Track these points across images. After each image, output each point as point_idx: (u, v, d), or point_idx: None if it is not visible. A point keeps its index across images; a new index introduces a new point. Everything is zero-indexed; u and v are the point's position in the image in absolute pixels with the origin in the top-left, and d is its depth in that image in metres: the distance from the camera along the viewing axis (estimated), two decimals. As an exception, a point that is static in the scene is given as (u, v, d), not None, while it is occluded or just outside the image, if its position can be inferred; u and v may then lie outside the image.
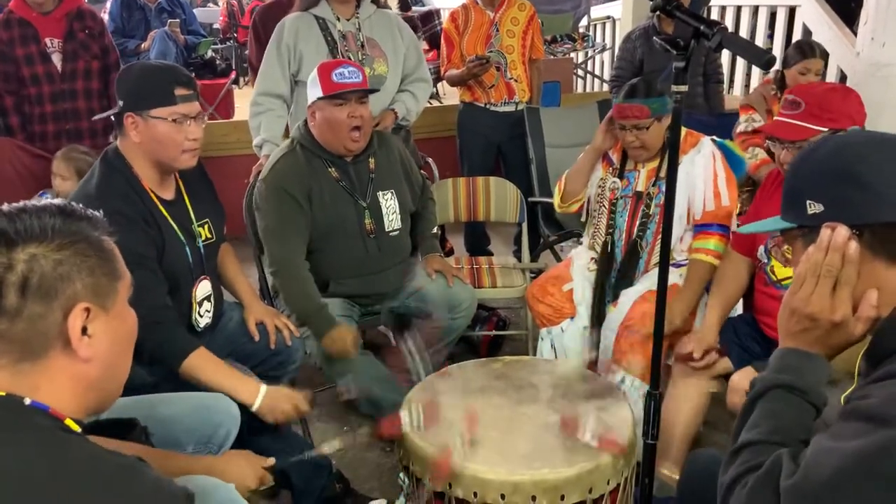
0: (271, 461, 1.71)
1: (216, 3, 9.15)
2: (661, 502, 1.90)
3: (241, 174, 3.03)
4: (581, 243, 2.79)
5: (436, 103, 5.90)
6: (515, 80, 3.80)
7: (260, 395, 1.93)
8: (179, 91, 1.93)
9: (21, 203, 1.00)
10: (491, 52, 3.73)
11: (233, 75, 5.93)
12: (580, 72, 7.02)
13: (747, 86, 5.64)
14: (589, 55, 7.10)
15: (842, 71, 4.38)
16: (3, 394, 0.94)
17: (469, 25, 3.78)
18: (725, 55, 5.11)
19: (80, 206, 1.05)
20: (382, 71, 2.98)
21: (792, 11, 5.14)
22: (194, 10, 6.29)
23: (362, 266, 2.57)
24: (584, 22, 7.05)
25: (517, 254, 3.78)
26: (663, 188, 2.32)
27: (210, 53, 6.13)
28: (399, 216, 2.62)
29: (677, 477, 1.83)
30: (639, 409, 1.93)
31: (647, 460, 1.78)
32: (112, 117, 2.02)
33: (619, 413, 1.85)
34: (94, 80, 3.55)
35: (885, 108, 3.26)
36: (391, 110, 3.03)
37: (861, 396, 0.99)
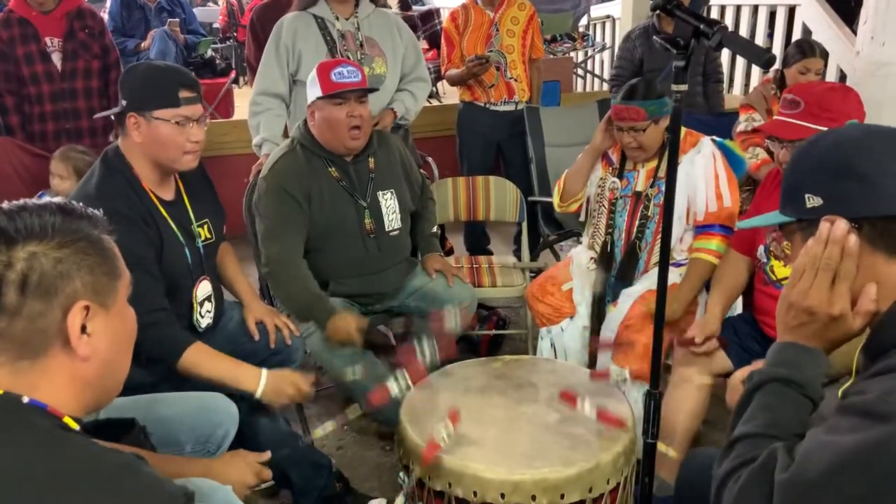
0: (266, 455, 1.70)
1: (216, 3, 9.14)
2: (660, 501, 1.90)
3: (241, 173, 3.03)
4: (581, 243, 2.79)
5: (435, 103, 5.89)
6: (515, 80, 3.80)
7: (262, 380, 1.93)
8: (183, 93, 1.93)
9: (21, 201, 1.00)
10: (491, 51, 3.73)
11: (232, 74, 5.93)
12: (580, 71, 7.02)
13: (747, 85, 5.64)
14: (589, 54, 7.10)
15: (841, 70, 4.39)
16: (1, 392, 0.94)
17: (469, 25, 3.78)
18: (725, 54, 5.11)
19: (80, 204, 1.05)
20: (381, 70, 2.98)
21: (792, 10, 5.14)
22: (194, 10, 6.29)
23: (362, 266, 2.57)
24: (583, 21, 7.05)
25: (517, 253, 3.78)
26: (662, 188, 2.33)
27: (210, 53, 6.13)
28: (399, 216, 2.62)
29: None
30: (639, 408, 1.93)
31: (647, 459, 1.78)
32: (113, 116, 2.02)
33: (619, 412, 1.85)
34: (94, 79, 3.54)
35: (885, 107, 3.26)
36: (390, 110, 3.02)
37: (858, 391, 0.99)
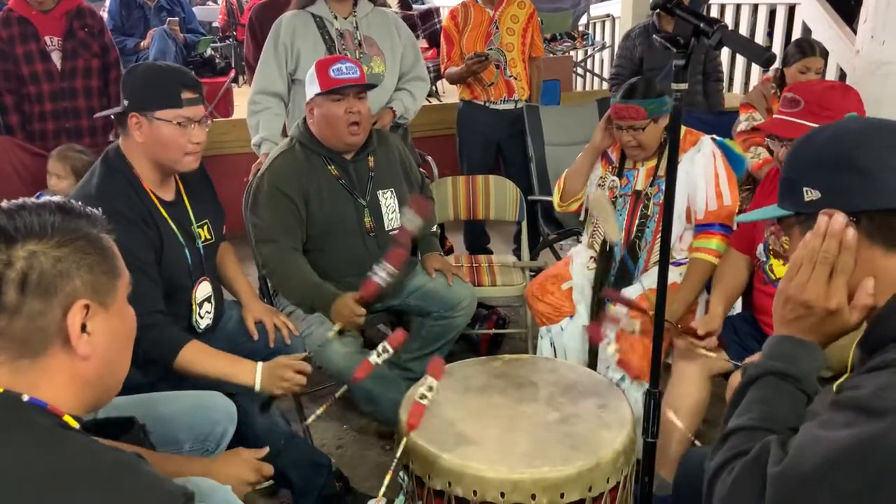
0: (265, 451, 1.70)
1: (215, 2, 9.13)
2: (660, 500, 1.90)
3: (240, 172, 3.03)
4: (580, 242, 2.79)
5: (435, 101, 5.89)
6: (515, 78, 3.80)
7: (258, 372, 1.93)
8: (186, 94, 1.93)
9: (20, 200, 1.00)
10: (490, 49, 3.73)
11: (232, 74, 5.92)
12: (580, 70, 7.02)
13: (747, 84, 5.63)
14: (588, 53, 7.10)
15: (841, 69, 4.38)
16: (1, 391, 0.94)
17: (469, 23, 3.78)
18: (725, 53, 5.11)
19: (80, 203, 1.05)
20: (380, 69, 2.98)
21: (791, 9, 5.14)
22: (193, 9, 6.28)
23: (362, 264, 2.56)
24: (583, 20, 7.05)
25: (517, 252, 3.78)
26: (662, 187, 2.34)
27: (209, 52, 6.12)
28: (399, 215, 2.62)
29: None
30: (639, 407, 1.93)
31: (647, 458, 1.78)
32: (114, 116, 2.02)
33: (619, 411, 1.85)
34: (94, 78, 3.54)
35: (885, 105, 3.25)
36: (389, 109, 3.02)
37: (853, 386, 0.98)
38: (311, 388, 2.58)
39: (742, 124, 3.39)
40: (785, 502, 0.93)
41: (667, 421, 1.93)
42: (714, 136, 2.53)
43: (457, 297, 2.63)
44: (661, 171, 2.46)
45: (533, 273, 3.21)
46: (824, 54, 3.50)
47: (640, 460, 1.81)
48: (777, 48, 5.14)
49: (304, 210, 2.47)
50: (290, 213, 2.45)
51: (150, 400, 1.79)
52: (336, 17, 2.94)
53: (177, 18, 5.51)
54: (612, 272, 2.56)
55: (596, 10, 7.11)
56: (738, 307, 2.42)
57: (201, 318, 2.12)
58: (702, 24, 1.53)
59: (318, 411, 1.91)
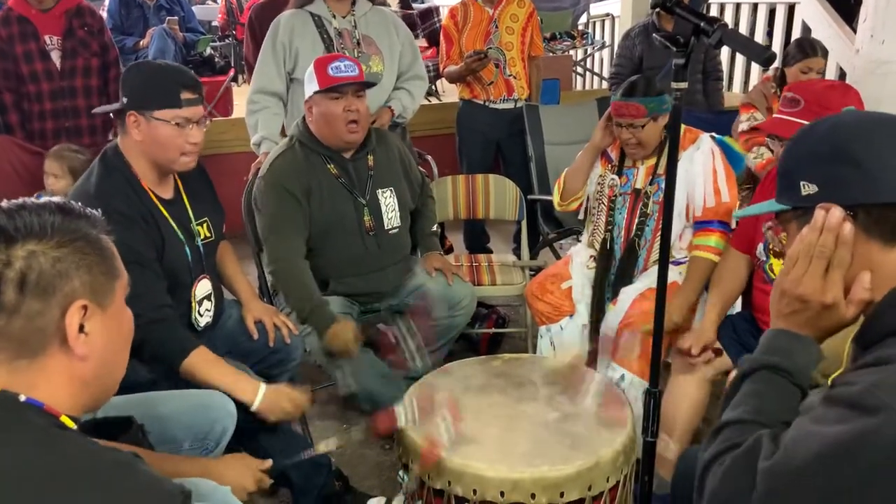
0: (268, 463, 1.70)
1: (215, 1, 9.12)
2: (660, 499, 1.90)
3: (240, 171, 3.03)
4: (580, 241, 2.79)
5: (435, 101, 5.89)
6: (514, 77, 3.80)
7: (259, 394, 1.92)
8: (185, 95, 1.92)
9: (20, 200, 1.00)
10: (490, 48, 3.73)
11: (231, 73, 5.92)
12: (579, 69, 7.01)
13: (746, 83, 5.63)
14: (588, 52, 7.09)
15: (841, 68, 4.38)
16: None
17: (468, 22, 3.78)
18: (725, 52, 5.10)
19: (79, 204, 1.05)
20: (378, 68, 2.97)
21: (791, 8, 5.14)
22: (193, 8, 6.27)
23: (362, 264, 2.57)
24: (583, 19, 7.04)
25: (516, 251, 3.78)
26: (662, 185, 2.34)
27: (209, 51, 6.12)
28: (398, 214, 2.62)
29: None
30: (638, 406, 1.93)
31: (646, 458, 1.78)
32: (112, 113, 2.02)
33: (618, 410, 1.85)
34: (94, 77, 3.54)
35: (884, 104, 3.25)
36: (387, 108, 3.02)
37: (847, 382, 0.98)
38: (314, 387, 2.58)
39: (743, 124, 3.39)
40: (775, 496, 0.93)
41: (665, 422, 1.94)
42: (713, 133, 2.53)
43: (456, 297, 2.63)
44: (661, 170, 2.46)
45: (533, 272, 3.21)
46: (825, 54, 3.49)
47: (639, 459, 1.81)
48: (777, 47, 5.14)
49: (307, 206, 2.47)
50: (294, 209, 2.45)
51: (148, 399, 1.79)
52: (334, 16, 2.94)
53: (176, 17, 5.51)
54: (611, 271, 2.56)
55: (595, 9, 7.11)
56: (737, 306, 2.42)
57: (201, 315, 2.12)
58: (702, 23, 1.53)
59: (332, 445, 1.89)
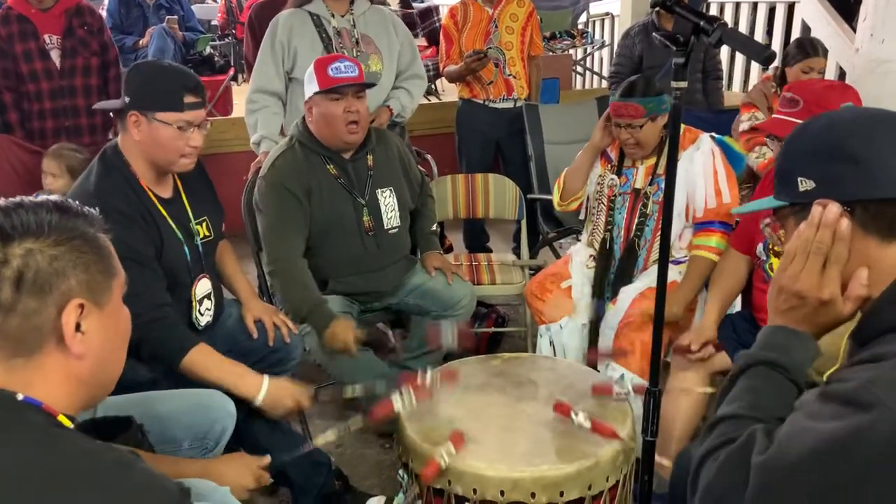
0: (267, 459, 1.70)
1: (214, 0, 9.12)
2: (659, 499, 1.90)
3: (239, 171, 3.03)
4: (580, 240, 2.79)
5: (434, 100, 5.89)
6: (514, 77, 3.80)
7: (263, 388, 1.92)
8: (189, 98, 1.92)
9: (18, 198, 1.00)
10: (490, 48, 3.73)
11: (231, 72, 5.92)
12: (579, 68, 7.01)
13: (746, 82, 5.63)
14: (588, 52, 7.09)
15: (840, 67, 4.38)
16: None
17: (468, 22, 3.78)
18: (724, 51, 5.10)
19: (77, 202, 1.05)
20: (377, 68, 2.97)
21: (791, 7, 5.14)
22: (192, 7, 6.27)
23: (361, 264, 2.57)
24: (583, 18, 7.04)
25: (516, 251, 3.78)
26: (661, 185, 2.34)
27: (208, 50, 6.12)
28: (398, 213, 2.62)
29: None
30: (638, 405, 1.93)
31: (646, 457, 1.78)
32: (112, 112, 2.01)
33: (618, 410, 1.85)
34: (93, 76, 3.54)
35: (884, 103, 3.24)
36: (386, 107, 3.02)
37: (842, 378, 0.98)
38: (313, 386, 2.58)
39: (744, 124, 3.38)
40: (769, 491, 0.93)
41: (665, 425, 1.94)
42: (713, 133, 2.53)
43: (456, 296, 2.63)
44: (660, 170, 2.46)
45: (532, 272, 3.21)
46: (826, 54, 3.49)
47: (639, 459, 1.81)
48: (776, 46, 5.14)
49: (307, 206, 2.47)
50: (295, 209, 2.45)
51: (148, 399, 1.79)
52: (333, 16, 2.94)
53: (175, 17, 5.51)
54: (611, 270, 2.56)
55: (595, 8, 7.10)
56: (737, 305, 2.42)
57: (201, 315, 2.12)
58: (701, 22, 1.53)
59: (330, 437, 1.89)
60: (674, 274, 2.35)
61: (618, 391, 1.91)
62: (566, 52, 6.43)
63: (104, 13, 5.24)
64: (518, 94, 3.83)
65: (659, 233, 1.81)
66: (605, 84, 6.08)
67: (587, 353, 2.48)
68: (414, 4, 7.27)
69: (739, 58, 5.68)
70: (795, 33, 4.93)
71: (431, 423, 1.80)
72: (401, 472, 1.85)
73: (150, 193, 1.98)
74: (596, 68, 7.28)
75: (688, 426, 2.20)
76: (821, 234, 1.04)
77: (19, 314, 0.94)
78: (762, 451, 0.95)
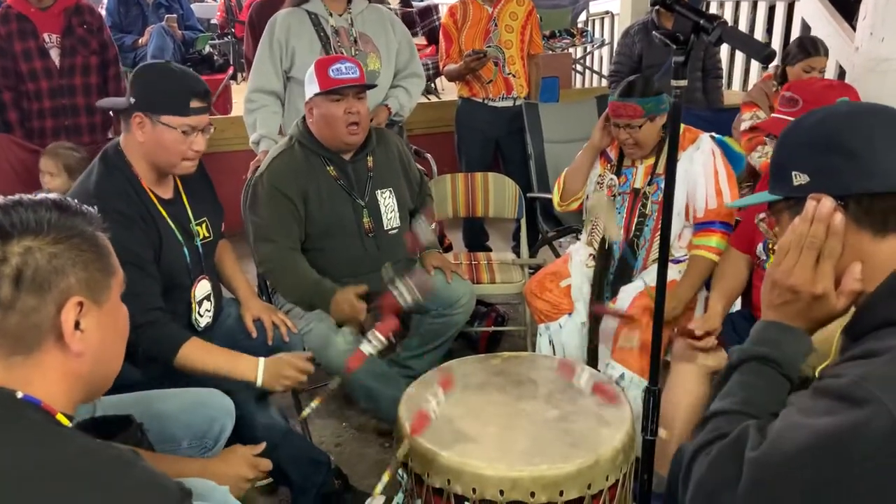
0: (262, 446, 1.70)
1: (214, -1, 9.11)
2: (659, 498, 1.90)
3: (239, 170, 3.02)
4: (579, 239, 2.79)
5: (434, 99, 5.89)
6: (513, 76, 3.80)
7: (260, 368, 1.93)
8: (195, 103, 1.92)
9: (17, 196, 1.00)
10: (489, 46, 3.72)
11: (230, 71, 5.92)
12: (579, 67, 7.01)
13: (746, 81, 5.63)
14: (587, 50, 7.09)
15: (840, 66, 4.38)
16: None
17: (467, 20, 3.78)
18: (724, 50, 5.10)
19: (76, 201, 1.05)
20: (375, 66, 2.97)
21: (791, 6, 5.13)
22: (191, 6, 6.27)
23: (361, 265, 2.56)
24: (582, 17, 7.04)
25: (516, 249, 3.78)
26: (661, 185, 2.33)
27: (208, 49, 6.12)
28: (398, 214, 2.61)
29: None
30: (638, 404, 1.93)
31: (646, 456, 1.78)
32: (113, 112, 2.01)
33: (618, 409, 1.85)
34: (93, 75, 3.54)
35: (883, 102, 3.24)
36: (384, 106, 3.01)
37: (835, 374, 0.98)
38: (310, 386, 2.58)
39: (746, 123, 3.38)
40: (761, 486, 0.93)
41: (665, 418, 1.93)
42: (713, 133, 2.53)
43: (456, 295, 2.63)
44: (660, 170, 2.46)
45: (532, 270, 3.21)
46: (827, 53, 3.49)
47: (639, 458, 1.81)
48: (776, 45, 5.13)
49: (303, 210, 2.46)
50: (288, 213, 2.45)
51: (147, 398, 1.79)
52: (331, 15, 2.93)
53: (175, 15, 5.51)
54: (611, 270, 2.56)
55: (595, 6, 7.10)
56: (737, 304, 2.42)
57: (200, 316, 2.11)
58: (701, 21, 1.52)
59: (313, 403, 1.91)
60: (673, 273, 2.35)
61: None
62: (566, 51, 6.44)
63: (103, 12, 5.24)
64: (517, 92, 3.83)
65: (658, 232, 1.81)
66: (604, 83, 6.08)
67: (593, 306, 2.47)
68: (413, 3, 7.26)
69: (739, 56, 5.67)
70: (795, 32, 4.93)
71: (431, 422, 1.79)
72: (400, 471, 1.85)
73: (151, 194, 1.98)
74: (595, 67, 7.28)
75: (688, 424, 2.19)
76: (814, 229, 1.04)
77: (18, 312, 0.94)
78: (755, 447, 0.95)
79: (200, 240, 2.11)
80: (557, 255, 3.71)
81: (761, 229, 2.14)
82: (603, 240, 2.57)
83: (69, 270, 0.98)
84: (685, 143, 2.44)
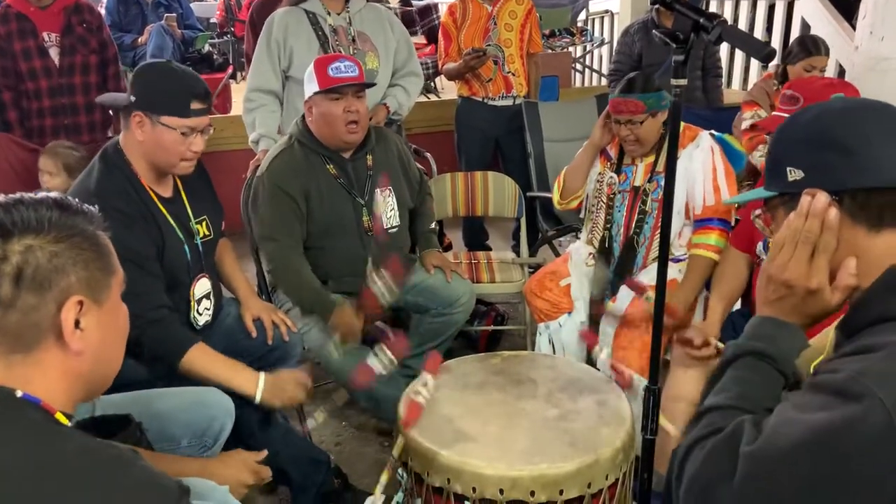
0: (263, 454, 1.70)
1: (213, -2, 9.11)
2: (659, 497, 1.90)
3: (238, 169, 3.02)
4: (579, 238, 2.78)
5: (433, 98, 5.88)
6: (513, 74, 3.80)
7: (260, 384, 1.93)
8: (195, 105, 1.92)
9: (18, 195, 1.00)
10: (489, 45, 3.72)
11: (230, 70, 5.91)
12: (578, 66, 7.01)
13: (746, 80, 5.63)
14: (587, 49, 7.08)
15: (840, 65, 4.38)
16: None
17: (467, 19, 3.77)
18: (724, 49, 5.10)
19: (77, 200, 1.05)
20: (373, 65, 2.96)
21: (790, 5, 5.13)
22: (191, 5, 6.26)
23: (361, 264, 2.56)
24: (582, 16, 7.03)
25: (515, 249, 3.78)
26: (661, 183, 2.33)
27: (207, 48, 6.11)
28: (397, 213, 2.61)
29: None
30: (637, 405, 1.93)
31: (646, 455, 1.77)
32: (112, 110, 2.01)
33: (618, 408, 1.85)
34: (92, 74, 3.53)
35: (883, 101, 3.25)
36: (383, 105, 3.01)
37: (830, 369, 0.98)
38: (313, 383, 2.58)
39: (747, 122, 3.38)
40: (756, 482, 0.93)
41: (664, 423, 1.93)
42: (713, 131, 2.53)
43: (455, 294, 2.63)
44: (660, 167, 2.46)
45: (532, 270, 3.21)
46: (828, 52, 3.49)
47: (639, 457, 1.81)
48: (776, 43, 5.13)
49: (304, 208, 2.46)
50: (291, 212, 2.45)
51: (146, 397, 1.79)
52: (329, 14, 2.93)
53: (174, 14, 5.50)
54: (610, 269, 2.56)
55: (595, 5, 7.10)
56: (737, 304, 2.42)
57: (199, 314, 2.11)
58: (701, 20, 1.52)
59: (318, 418, 1.90)
60: (673, 272, 2.35)
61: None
62: (565, 50, 6.43)
63: (103, 11, 5.24)
64: (517, 91, 3.83)
65: (658, 230, 1.81)
66: (604, 82, 6.07)
67: (582, 333, 2.47)
68: (413, 2, 7.25)
69: (739, 55, 5.67)
70: (795, 31, 4.93)
71: (430, 421, 1.79)
72: (400, 470, 1.85)
73: (151, 192, 1.98)
74: (595, 66, 7.27)
75: (695, 398, 2.18)
76: (809, 224, 1.04)
77: (18, 310, 0.94)
78: (750, 442, 0.95)
79: (200, 238, 2.11)
80: (557, 255, 3.71)
81: (757, 226, 2.14)
82: (602, 239, 2.57)
83: (69, 269, 0.98)
84: (685, 140, 2.44)
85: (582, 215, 2.78)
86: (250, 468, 1.64)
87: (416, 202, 2.76)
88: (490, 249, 3.95)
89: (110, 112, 3.60)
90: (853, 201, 1.03)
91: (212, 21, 7.74)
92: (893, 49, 3.31)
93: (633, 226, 2.52)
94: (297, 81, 2.65)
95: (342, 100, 2.39)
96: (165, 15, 5.45)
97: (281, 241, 2.45)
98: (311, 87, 2.42)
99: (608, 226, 2.57)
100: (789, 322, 1.09)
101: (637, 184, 2.53)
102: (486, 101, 3.82)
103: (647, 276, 2.43)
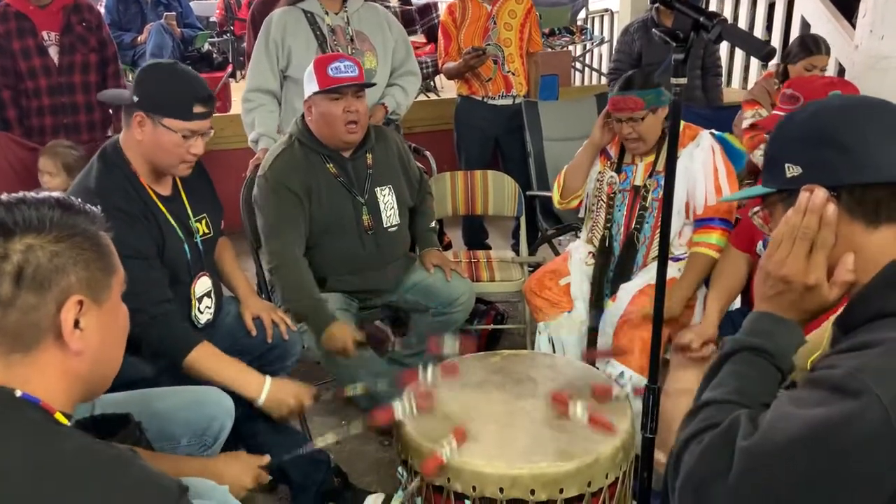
0: (266, 459, 1.70)
1: (212, -4, 9.10)
2: (659, 496, 1.90)
3: (238, 168, 3.02)
4: (579, 237, 2.78)
5: (433, 97, 5.88)
6: (513, 74, 3.80)
7: (265, 389, 1.93)
8: (198, 108, 1.92)
9: (20, 194, 1.00)
10: (488, 44, 3.72)
11: (229, 69, 5.90)
12: (578, 65, 7.00)
13: (746, 79, 5.62)
14: (587, 48, 7.08)
15: (840, 64, 4.38)
16: None
17: (466, 18, 3.77)
18: (724, 48, 5.09)
19: (78, 200, 1.05)
20: (372, 65, 2.96)
21: (790, 4, 5.13)
22: (190, 3, 6.26)
23: (360, 262, 2.56)
24: (582, 15, 7.03)
25: (515, 248, 3.78)
26: (661, 182, 2.33)
27: (207, 47, 6.10)
28: (397, 211, 2.61)
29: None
30: (637, 403, 1.93)
31: (645, 454, 1.77)
32: (112, 110, 2.01)
33: (617, 405, 1.85)
34: (92, 73, 3.53)
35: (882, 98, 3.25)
36: (381, 104, 3.01)
37: (828, 366, 0.98)
38: (314, 384, 2.57)
39: (747, 121, 3.38)
40: (752, 476, 0.93)
41: (665, 423, 1.93)
42: (713, 130, 2.53)
43: (455, 293, 2.63)
44: (660, 166, 2.46)
45: (531, 268, 3.21)
46: (829, 51, 3.49)
47: (639, 456, 1.81)
48: (776, 42, 5.13)
49: (307, 205, 2.46)
50: (295, 209, 2.44)
51: (145, 396, 1.79)
52: (327, 13, 2.92)
53: (174, 13, 5.50)
54: (610, 268, 2.56)
55: (594, 4, 7.09)
56: (737, 302, 2.42)
57: (201, 313, 2.11)
58: (701, 18, 1.52)
59: (330, 439, 1.88)
60: (673, 271, 2.35)
61: (617, 394, 1.90)
62: (565, 49, 6.42)
63: (102, 10, 5.23)
64: (517, 90, 3.83)
65: (658, 230, 1.80)
66: (604, 81, 6.07)
67: (585, 352, 2.47)
68: (413, 1, 7.25)
69: (739, 54, 5.67)
70: (795, 30, 4.93)
71: (431, 420, 1.79)
72: (399, 469, 1.85)
73: (151, 191, 1.98)
74: (595, 65, 7.27)
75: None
76: (807, 220, 1.04)
77: (18, 309, 0.94)
78: (747, 437, 0.95)
79: (200, 236, 2.11)
80: (557, 253, 3.71)
81: (755, 222, 2.14)
82: (603, 238, 2.57)
83: (70, 269, 0.97)
84: (685, 140, 2.44)
85: (582, 214, 2.78)
86: (252, 472, 1.64)
87: (415, 201, 2.76)
88: (490, 248, 3.95)
89: (110, 111, 3.60)
90: (851, 197, 1.04)
91: (211, 20, 7.73)
92: (893, 48, 3.31)
93: (634, 225, 2.52)
94: (296, 81, 2.64)
95: (342, 100, 2.39)
96: (165, 13, 5.44)
97: (285, 238, 2.44)
98: (310, 86, 2.42)
99: (608, 225, 2.57)
100: (787, 318, 1.09)
101: (637, 183, 2.53)
102: (485, 100, 3.82)
103: (647, 275, 2.43)
